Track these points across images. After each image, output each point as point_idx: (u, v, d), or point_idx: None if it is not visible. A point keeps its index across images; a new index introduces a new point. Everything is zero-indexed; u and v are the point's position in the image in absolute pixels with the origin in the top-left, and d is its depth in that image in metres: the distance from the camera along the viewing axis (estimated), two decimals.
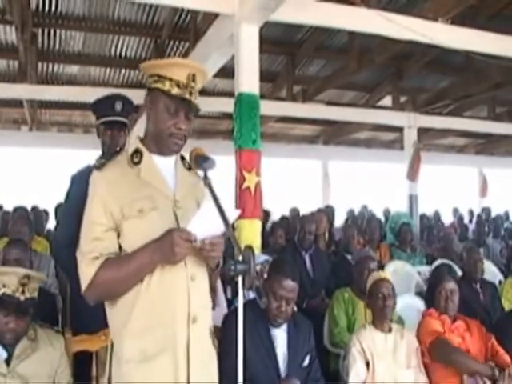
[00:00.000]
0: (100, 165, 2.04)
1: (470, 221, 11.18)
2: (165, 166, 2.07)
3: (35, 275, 2.77)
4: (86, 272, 1.95)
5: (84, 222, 2.02)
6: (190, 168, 2.17)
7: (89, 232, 1.97)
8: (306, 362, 3.08)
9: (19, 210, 6.56)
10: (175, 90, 1.97)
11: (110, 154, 3.40)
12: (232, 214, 1.99)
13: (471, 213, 12.10)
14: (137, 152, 2.06)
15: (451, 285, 3.63)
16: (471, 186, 15.25)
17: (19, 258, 3.83)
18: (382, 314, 3.39)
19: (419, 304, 4.45)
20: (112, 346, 2.01)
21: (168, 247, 1.86)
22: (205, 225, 1.88)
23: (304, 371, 3.06)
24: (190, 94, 1.99)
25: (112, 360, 2.00)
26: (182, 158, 2.17)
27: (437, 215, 11.47)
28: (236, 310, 1.99)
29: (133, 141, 2.12)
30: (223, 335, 2.83)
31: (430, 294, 3.72)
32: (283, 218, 8.17)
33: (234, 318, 2.01)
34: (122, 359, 1.94)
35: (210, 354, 2.10)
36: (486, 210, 11.48)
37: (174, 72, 1.97)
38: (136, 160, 2.04)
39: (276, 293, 2.96)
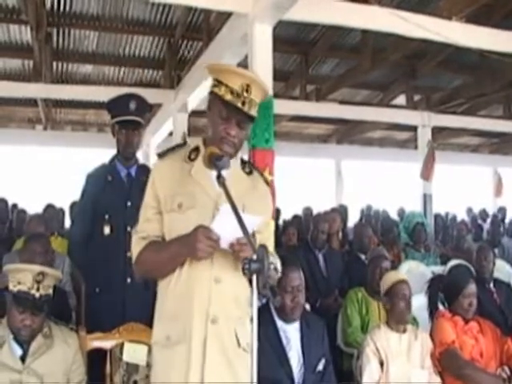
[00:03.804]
0: (162, 153, 2.20)
1: (484, 220, 11.10)
2: None
3: (50, 272, 2.79)
4: (134, 249, 2.15)
5: (142, 205, 2.18)
6: (250, 172, 2.21)
7: (142, 213, 2.16)
8: (321, 367, 3.06)
9: (49, 208, 6.60)
10: (228, 97, 2.02)
11: (123, 155, 3.45)
12: (254, 221, 2.00)
13: (485, 212, 12.00)
14: (196, 149, 2.16)
15: (474, 288, 3.59)
16: (486, 185, 15.15)
17: (40, 251, 3.82)
18: (402, 316, 3.37)
19: None
20: None
21: (192, 242, 1.93)
22: (227, 228, 1.90)
23: (318, 376, 3.05)
24: (243, 103, 2.02)
25: None
26: (243, 162, 2.22)
27: (453, 219, 11.38)
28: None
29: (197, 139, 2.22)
30: None
31: (450, 296, 3.66)
32: (295, 217, 8.16)
33: None
34: (152, 341, 2.14)
35: (239, 357, 2.07)
36: (502, 210, 11.39)
37: (230, 79, 2.02)
38: (193, 157, 2.14)
39: (286, 286, 3.00)
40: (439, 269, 5.66)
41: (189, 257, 2.00)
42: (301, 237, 6.25)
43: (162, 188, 2.10)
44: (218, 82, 2.05)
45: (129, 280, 3.26)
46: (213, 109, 2.10)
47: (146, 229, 2.13)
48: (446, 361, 3.35)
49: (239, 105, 2.02)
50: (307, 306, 3.99)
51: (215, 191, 2.06)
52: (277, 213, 7.82)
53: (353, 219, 9.99)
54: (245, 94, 2.02)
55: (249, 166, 2.23)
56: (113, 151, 3.54)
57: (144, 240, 2.12)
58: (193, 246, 1.92)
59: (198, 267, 2.01)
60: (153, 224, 2.12)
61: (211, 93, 2.10)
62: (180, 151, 2.18)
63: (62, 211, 7.22)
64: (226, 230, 1.92)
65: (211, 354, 1.99)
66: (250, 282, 2.10)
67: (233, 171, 2.14)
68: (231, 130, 2.06)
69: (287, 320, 3.05)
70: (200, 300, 2.01)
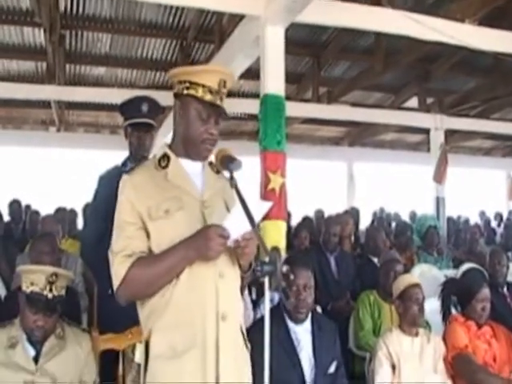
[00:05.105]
0: (129, 169, 2.14)
1: (498, 224, 11.01)
2: (192, 169, 2.09)
3: (63, 273, 2.80)
4: (118, 270, 1.96)
5: (115, 224, 2.05)
6: (218, 172, 2.18)
7: (120, 231, 2.00)
8: (332, 369, 3.05)
9: (60, 211, 6.64)
10: (208, 97, 2.00)
11: (136, 157, 3.45)
12: (264, 206, 2.03)
13: (500, 216, 11.90)
14: (164, 157, 2.10)
15: (487, 292, 3.55)
16: (499, 188, 15.06)
17: (47, 250, 3.86)
18: (414, 320, 3.35)
19: None
20: (147, 343, 1.98)
21: (203, 242, 1.87)
22: (236, 226, 1.89)
23: (329, 379, 3.03)
24: (221, 99, 2.03)
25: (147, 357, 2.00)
26: (210, 163, 2.19)
27: (466, 222, 11.29)
28: (260, 320, 1.98)
29: (160, 147, 2.15)
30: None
31: (463, 300, 3.63)
32: (306, 219, 8.13)
33: (259, 328, 2.00)
34: (150, 355, 1.94)
35: (243, 354, 2.08)
36: None
37: (206, 78, 2.00)
38: (163, 164, 2.08)
39: (292, 284, 2.96)
40: (452, 272, 5.62)
41: (198, 258, 1.92)
42: (312, 239, 6.23)
43: (142, 202, 1.99)
44: (191, 84, 2.01)
45: None
46: (188, 112, 2.05)
47: (128, 246, 1.96)
48: (458, 365, 3.32)
49: (218, 102, 2.02)
50: (319, 309, 3.98)
51: (198, 191, 2.06)
52: (288, 216, 7.80)
53: (365, 222, 9.97)
54: (222, 90, 2.03)
55: (215, 166, 2.19)
56: (125, 153, 3.55)
57: (130, 257, 1.94)
58: (205, 245, 1.87)
59: (201, 265, 1.94)
60: (136, 241, 1.97)
61: (184, 95, 2.04)
62: (147, 163, 2.14)
63: (74, 212, 7.25)
64: (235, 228, 1.90)
65: (224, 355, 1.93)
66: (242, 279, 2.12)
67: (207, 171, 2.14)
68: (213, 130, 2.06)
69: (295, 320, 3.04)
70: (209, 298, 1.96)
